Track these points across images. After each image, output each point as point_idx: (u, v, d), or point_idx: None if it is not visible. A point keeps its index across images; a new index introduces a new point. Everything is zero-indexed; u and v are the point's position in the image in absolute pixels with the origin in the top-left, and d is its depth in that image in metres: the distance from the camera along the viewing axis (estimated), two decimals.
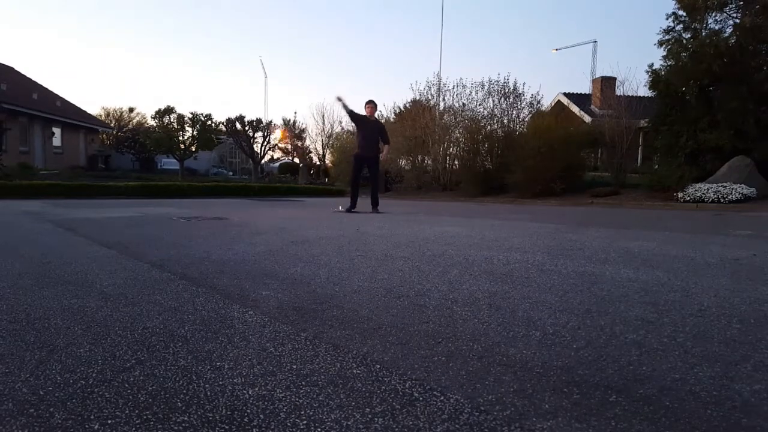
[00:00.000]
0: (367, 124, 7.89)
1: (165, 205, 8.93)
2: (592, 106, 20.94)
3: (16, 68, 26.70)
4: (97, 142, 31.00)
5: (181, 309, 1.75)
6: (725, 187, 9.63)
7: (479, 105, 16.45)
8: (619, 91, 14.78)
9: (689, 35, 11.04)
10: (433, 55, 48.54)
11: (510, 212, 8.29)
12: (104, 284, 2.14)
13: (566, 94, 22.85)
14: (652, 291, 2.05)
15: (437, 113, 18.42)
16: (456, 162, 17.66)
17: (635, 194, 11.60)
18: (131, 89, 79.04)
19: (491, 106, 16.08)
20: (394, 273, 2.43)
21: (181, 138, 26.74)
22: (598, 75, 23.23)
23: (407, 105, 20.29)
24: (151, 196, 12.36)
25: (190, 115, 26.72)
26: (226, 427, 0.93)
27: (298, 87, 79.88)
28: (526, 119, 15.71)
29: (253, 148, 30.73)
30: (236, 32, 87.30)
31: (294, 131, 31.13)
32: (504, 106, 15.87)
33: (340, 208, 8.05)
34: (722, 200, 9.44)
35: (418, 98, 19.18)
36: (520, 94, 15.76)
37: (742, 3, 10.81)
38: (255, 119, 30.46)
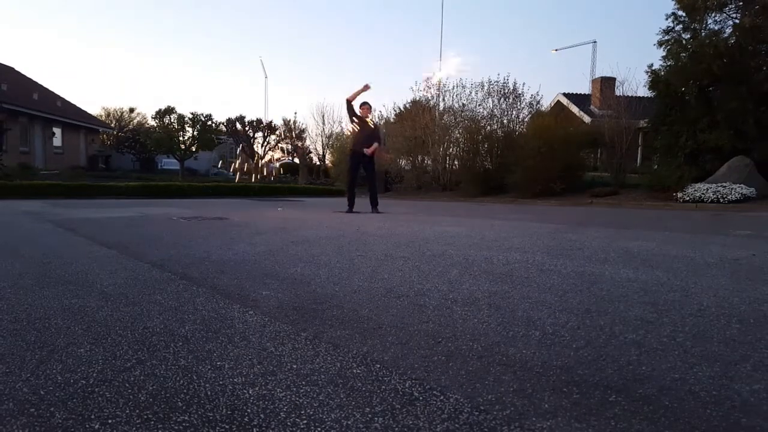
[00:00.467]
0: (363, 126, 7.95)
1: (165, 205, 8.92)
2: (592, 107, 20.94)
3: (17, 68, 26.70)
4: (97, 142, 31.01)
5: (181, 309, 1.75)
6: (725, 187, 9.63)
7: (479, 105, 16.47)
8: (618, 92, 14.77)
9: (689, 35, 11.04)
10: (434, 54, 48.27)
11: (510, 212, 8.29)
12: (105, 284, 2.14)
13: (566, 95, 22.86)
14: (652, 291, 2.05)
15: (437, 113, 18.42)
16: (456, 162, 17.64)
17: (635, 194, 11.59)
18: (131, 89, 78.76)
19: (491, 106, 16.08)
20: (394, 273, 2.43)
21: (181, 138, 26.75)
22: (597, 75, 23.27)
23: (407, 105, 20.32)
24: (151, 196, 12.35)
25: (191, 116, 26.73)
26: (227, 426, 0.93)
27: (298, 87, 79.68)
28: (526, 119, 15.70)
29: (253, 148, 30.74)
30: (236, 32, 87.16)
31: (294, 131, 31.09)
32: (504, 106, 15.88)
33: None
34: (722, 200, 9.44)
35: (417, 99, 19.22)
36: (519, 94, 15.77)
37: (741, 3, 10.81)
38: (255, 119, 30.52)
